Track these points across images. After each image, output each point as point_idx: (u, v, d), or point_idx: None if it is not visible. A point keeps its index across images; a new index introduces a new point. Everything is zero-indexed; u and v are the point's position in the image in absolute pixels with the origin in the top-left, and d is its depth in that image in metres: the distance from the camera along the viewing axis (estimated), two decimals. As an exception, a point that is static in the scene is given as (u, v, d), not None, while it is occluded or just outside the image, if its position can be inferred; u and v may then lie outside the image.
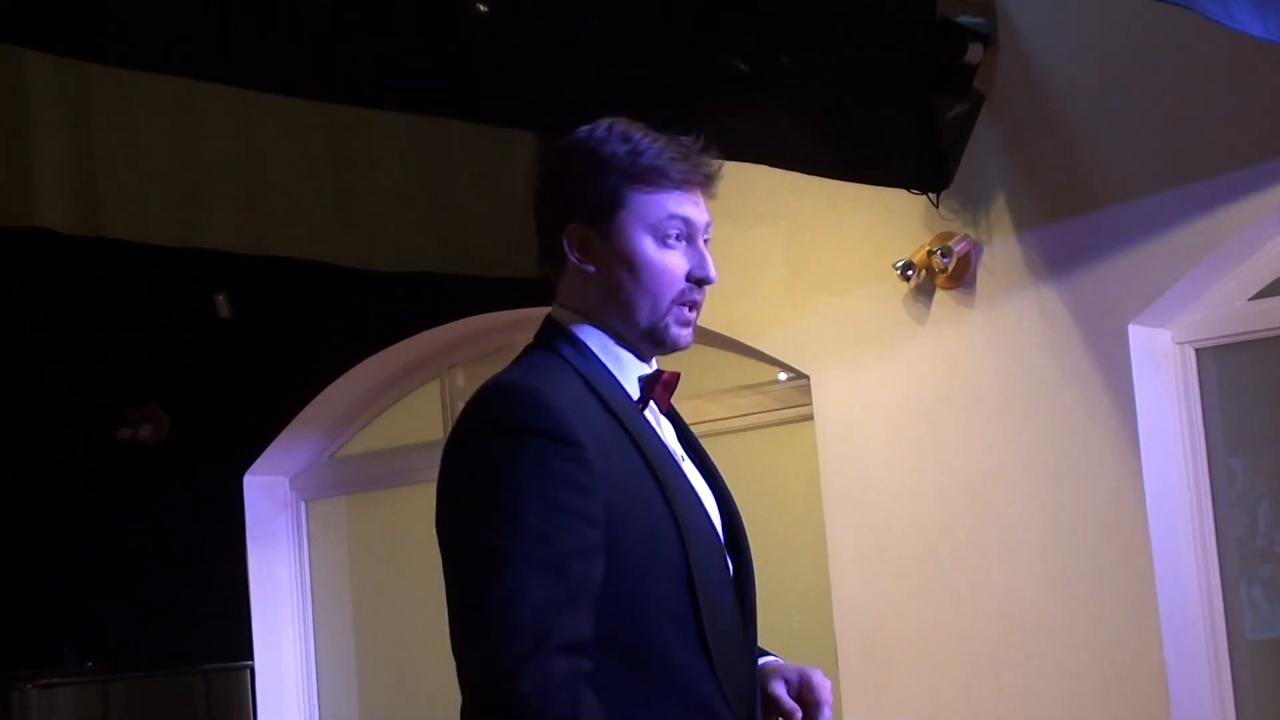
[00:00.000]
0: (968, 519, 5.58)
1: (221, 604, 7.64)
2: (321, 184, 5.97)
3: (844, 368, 5.90)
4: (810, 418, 6.07)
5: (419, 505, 7.50)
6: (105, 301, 7.83)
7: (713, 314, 6.29)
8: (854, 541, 5.85)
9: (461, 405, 7.58)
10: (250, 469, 7.70)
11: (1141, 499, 5.19)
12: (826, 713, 2.46)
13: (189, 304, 7.65)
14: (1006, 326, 5.51)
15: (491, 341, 7.25)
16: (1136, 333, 5.26)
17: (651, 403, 2.39)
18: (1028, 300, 5.46)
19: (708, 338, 6.40)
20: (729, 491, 2.49)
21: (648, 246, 2.38)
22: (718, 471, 2.50)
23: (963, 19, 5.38)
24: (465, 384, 7.41)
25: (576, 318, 2.42)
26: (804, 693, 2.47)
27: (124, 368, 7.92)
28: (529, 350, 2.45)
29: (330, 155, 5.97)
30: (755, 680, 2.42)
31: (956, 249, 5.53)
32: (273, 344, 7.53)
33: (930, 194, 5.61)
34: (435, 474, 7.73)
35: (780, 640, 6.82)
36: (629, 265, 2.37)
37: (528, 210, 6.56)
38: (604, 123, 2.45)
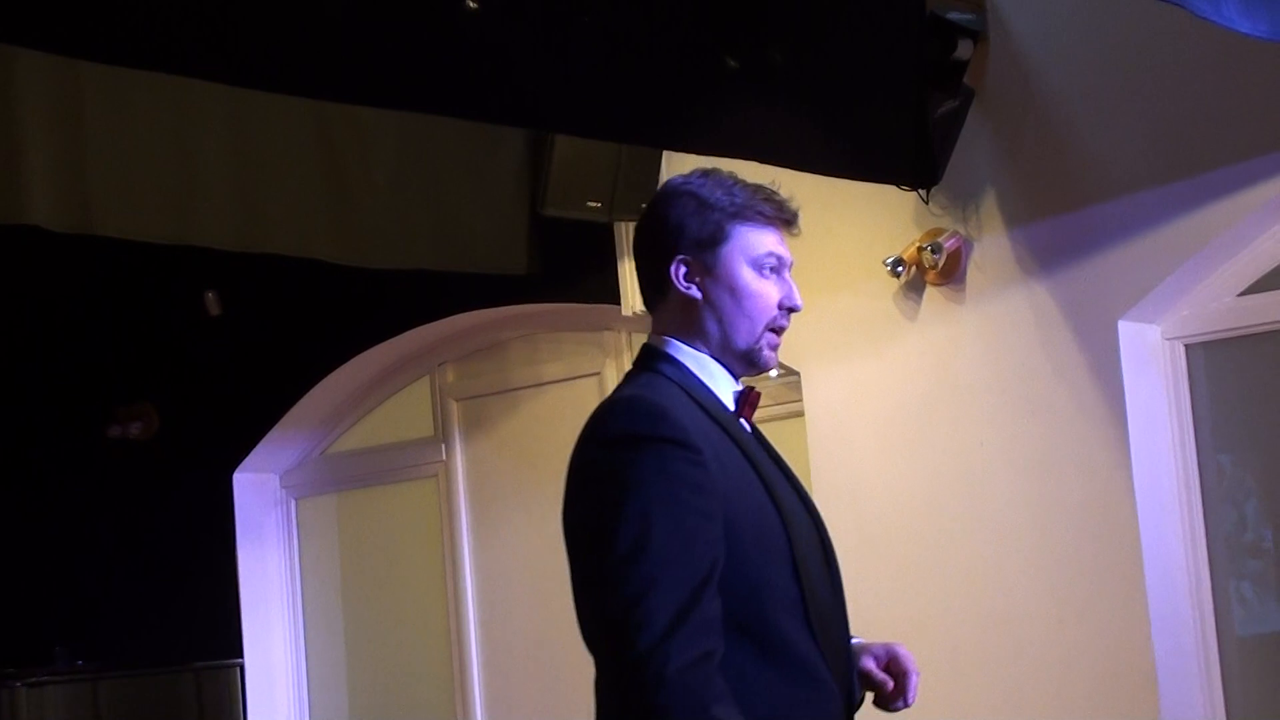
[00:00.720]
0: (957, 514, 5.59)
1: (211, 602, 7.63)
2: (313, 181, 5.96)
3: (834, 364, 5.91)
4: (801, 414, 6.07)
5: (410, 502, 7.52)
6: (96, 299, 7.83)
7: (703, 311, 6.30)
8: (844, 536, 5.82)
9: (451, 402, 7.61)
10: (240, 466, 7.69)
11: (1131, 494, 5.20)
12: (914, 679, 2.73)
13: (179, 301, 7.65)
14: (996, 322, 5.52)
15: (482, 338, 7.25)
16: (1126, 329, 5.28)
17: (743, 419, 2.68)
18: (1018, 296, 5.47)
19: (698, 334, 6.40)
20: (805, 490, 2.73)
21: (748, 275, 2.67)
22: (793, 472, 2.74)
23: (953, 15, 5.38)
24: (455, 380, 7.40)
25: (676, 341, 2.68)
26: (891, 665, 2.76)
27: (114, 365, 7.92)
28: (634, 374, 2.70)
29: (322, 152, 5.97)
30: (851, 657, 2.71)
31: (946, 245, 5.54)
32: (263, 341, 7.53)
33: (920, 190, 5.62)
34: (425, 470, 7.77)
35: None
36: (732, 291, 2.66)
37: (519, 207, 6.64)
38: (698, 171, 2.74)
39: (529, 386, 7.13)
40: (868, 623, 5.75)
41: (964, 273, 5.58)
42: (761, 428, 6.59)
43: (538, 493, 7.06)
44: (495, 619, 7.20)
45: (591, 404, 7.42)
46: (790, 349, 6.01)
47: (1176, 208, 5.13)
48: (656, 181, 6.27)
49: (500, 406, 7.24)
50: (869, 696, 2.83)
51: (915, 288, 5.68)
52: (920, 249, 5.57)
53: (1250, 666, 5.27)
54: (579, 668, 7.11)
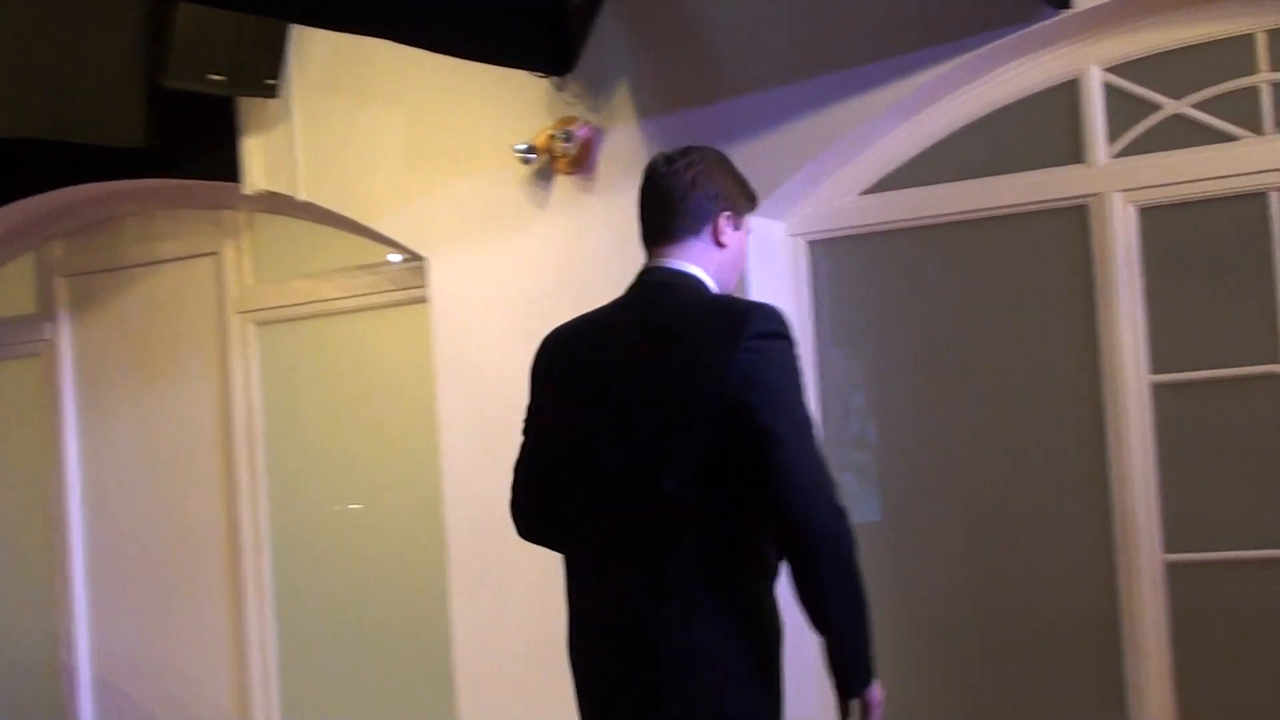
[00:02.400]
0: (581, 404, 5.62)
1: None
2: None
3: (461, 250, 5.86)
4: (424, 300, 6.02)
5: (11, 382, 7.23)
6: None
7: (328, 192, 6.19)
8: (466, 423, 5.84)
9: (58, 278, 7.27)
10: None
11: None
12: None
13: None
14: (625, 213, 5.52)
15: (93, 213, 6.98)
16: (752, 224, 5.34)
17: None
18: (646, 188, 5.49)
19: (321, 215, 6.28)
20: None
21: (746, 244, 3.52)
22: None
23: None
24: (63, 256, 7.12)
25: (704, 272, 3.40)
26: None
27: None
28: (700, 287, 3.40)
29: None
30: None
31: (578, 134, 5.53)
32: None
33: (554, 77, 5.58)
34: (28, 349, 7.42)
35: (390, 520, 6.80)
36: (742, 251, 3.49)
37: (136, 77, 6.34)
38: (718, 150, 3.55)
39: (143, 264, 6.91)
40: (487, 509, 5.78)
41: (595, 162, 5.58)
42: (385, 313, 6.56)
43: (150, 374, 6.86)
44: (101, 504, 6.99)
45: (209, 283, 7.29)
46: (416, 234, 5.98)
47: (805, 106, 5.21)
48: (281, 57, 6.09)
49: (112, 284, 6.99)
50: None
51: (545, 176, 5.67)
52: (551, 136, 5.54)
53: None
54: (184, 551, 6.99)
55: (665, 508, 3.25)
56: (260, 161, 6.28)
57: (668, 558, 3.26)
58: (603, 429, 3.35)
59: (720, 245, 3.42)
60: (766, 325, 3.23)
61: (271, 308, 6.60)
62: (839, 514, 3.20)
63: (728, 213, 3.44)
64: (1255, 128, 4.90)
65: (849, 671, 3.23)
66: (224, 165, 6.35)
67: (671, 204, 3.42)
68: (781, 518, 3.18)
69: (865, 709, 3.26)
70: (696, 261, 3.41)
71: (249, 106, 6.28)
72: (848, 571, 3.22)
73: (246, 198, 6.41)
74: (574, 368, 3.48)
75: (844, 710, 3.28)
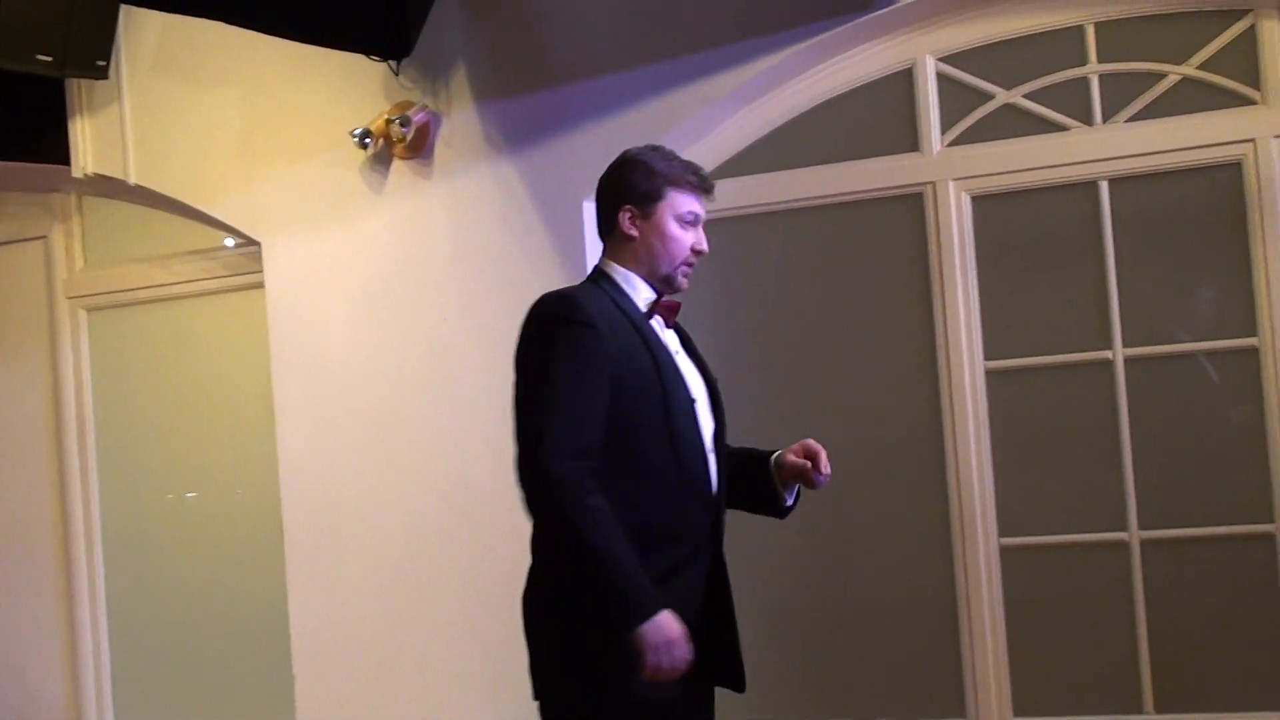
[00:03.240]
0: (418, 388, 5.59)
1: None
2: None
3: (297, 235, 5.79)
4: (261, 285, 5.94)
5: None
6: None
7: (160, 176, 6.09)
8: (303, 410, 5.78)
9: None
10: None
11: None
12: (824, 454, 3.65)
13: None
14: (463, 198, 5.51)
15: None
16: (591, 209, 5.34)
17: (659, 318, 3.65)
18: (485, 173, 5.47)
19: (153, 199, 6.17)
20: (714, 377, 3.71)
21: (673, 227, 3.63)
22: (707, 365, 3.70)
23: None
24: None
25: (614, 264, 3.65)
26: (805, 452, 3.66)
27: None
28: (588, 281, 3.67)
29: None
30: (720, 485, 3.65)
31: (415, 118, 5.49)
32: None
33: (391, 61, 5.53)
34: None
35: (225, 510, 6.69)
36: (661, 237, 3.63)
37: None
38: (649, 146, 3.72)
39: (-32, 249, 6.75)
40: (324, 494, 5.72)
41: (432, 147, 5.54)
42: (220, 299, 6.47)
43: (-24, 361, 6.70)
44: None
45: (37, 268, 7.16)
46: (251, 218, 5.90)
47: (645, 91, 5.21)
48: (112, 37, 5.97)
49: (-65, 269, 6.81)
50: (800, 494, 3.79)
51: (382, 160, 5.62)
52: (388, 121, 5.49)
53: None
54: (13, 543, 6.83)
55: None
56: (90, 144, 6.16)
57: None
58: None
59: (628, 238, 3.64)
60: (541, 309, 3.54)
61: (102, 293, 6.48)
62: (550, 475, 3.38)
63: (627, 206, 3.63)
64: (1085, 118, 4.99)
65: (601, 611, 3.40)
66: (53, 147, 6.22)
67: (595, 211, 3.73)
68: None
69: (638, 652, 3.36)
70: (613, 256, 3.68)
71: (79, 88, 6.15)
72: (568, 526, 3.40)
73: (76, 181, 6.29)
74: None
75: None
